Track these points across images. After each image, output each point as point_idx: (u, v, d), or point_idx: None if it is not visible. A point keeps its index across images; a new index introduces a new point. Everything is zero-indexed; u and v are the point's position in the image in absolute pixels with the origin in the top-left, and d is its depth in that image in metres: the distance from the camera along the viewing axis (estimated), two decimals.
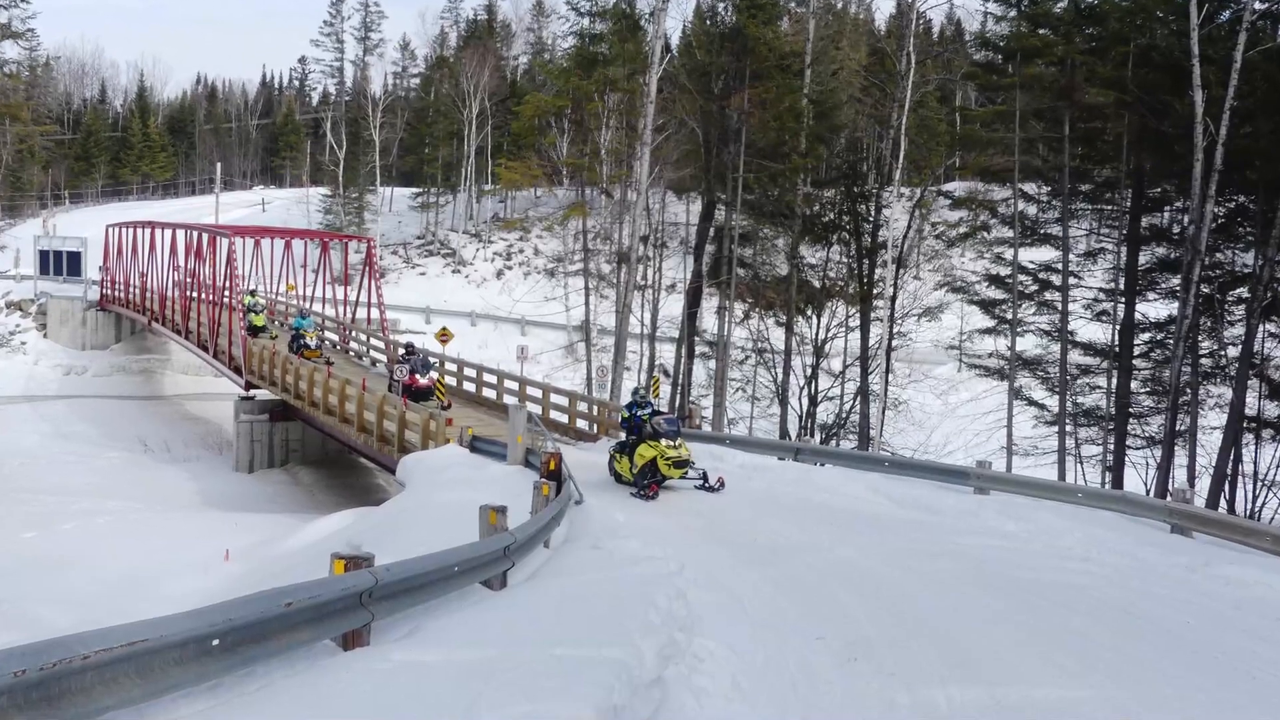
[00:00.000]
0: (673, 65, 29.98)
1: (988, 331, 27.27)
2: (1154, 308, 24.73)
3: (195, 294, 31.55)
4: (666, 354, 33.92)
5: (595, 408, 21.76)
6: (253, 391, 26.53)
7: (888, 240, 26.87)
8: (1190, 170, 20.07)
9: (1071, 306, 24.93)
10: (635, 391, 15.53)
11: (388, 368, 26.05)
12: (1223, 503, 19.82)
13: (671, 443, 13.86)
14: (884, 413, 26.43)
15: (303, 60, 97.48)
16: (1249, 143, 20.75)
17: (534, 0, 75.18)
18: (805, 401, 28.74)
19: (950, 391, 31.12)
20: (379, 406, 19.94)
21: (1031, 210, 27.26)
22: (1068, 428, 24.57)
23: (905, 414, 28.72)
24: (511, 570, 8.50)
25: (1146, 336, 24.17)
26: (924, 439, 27.82)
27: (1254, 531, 11.48)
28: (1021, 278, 26.05)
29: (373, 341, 31.44)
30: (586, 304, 33.35)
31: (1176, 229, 24.12)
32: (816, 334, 29.05)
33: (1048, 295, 26.04)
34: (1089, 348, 25.48)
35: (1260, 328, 20.67)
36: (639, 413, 14.53)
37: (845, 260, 29.29)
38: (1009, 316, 26.02)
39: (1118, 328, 23.90)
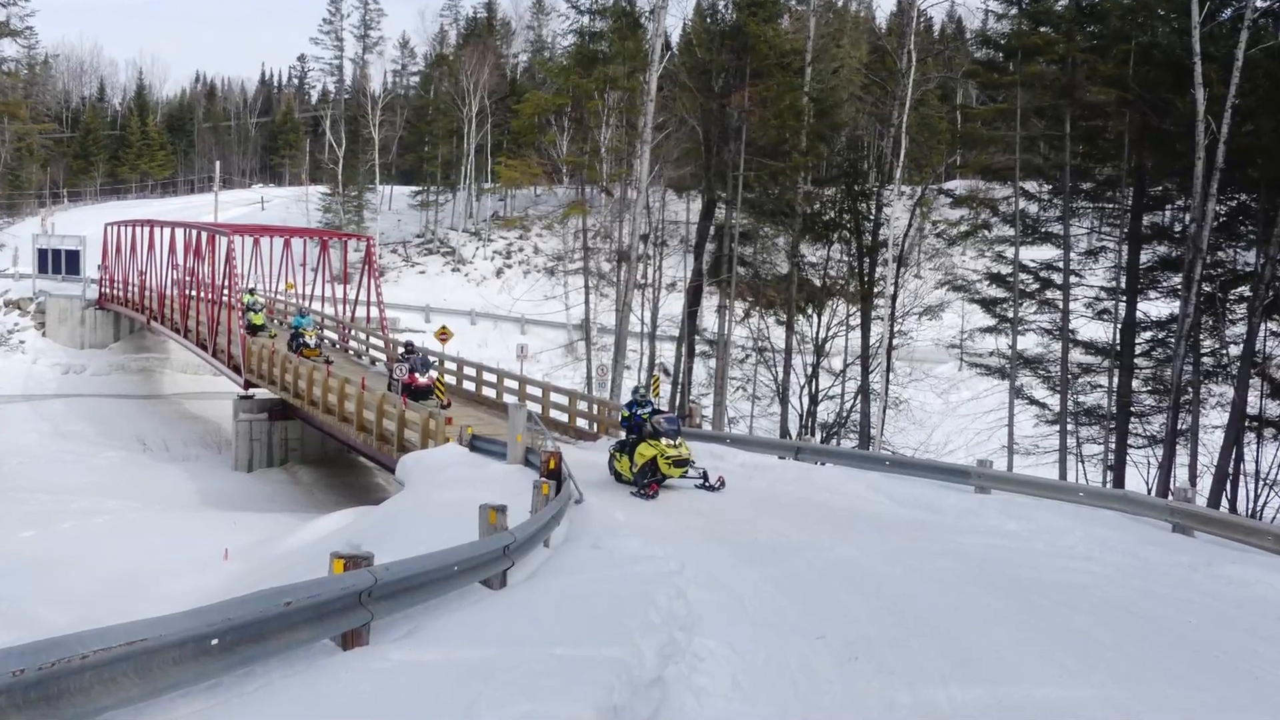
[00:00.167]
0: (673, 63, 29.96)
1: (989, 330, 27.25)
2: (1155, 306, 24.71)
3: (194, 293, 31.53)
4: (667, 353, 33.90)
5: (595, 407, 21.74)
6: (252, 390, 26.49)
7: (888, 239, 26.85)
8: (1192, 168, 20.04)
9: (1073, 305, 24.92)
10: (635, 390, 15.51)
11: (387, 366, 26.03)
12: (1224, 502, 19.81)
13: (672, 442, 13.84)
14: (885, 412, 26.42)
15: (302, 58, 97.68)
16: (1250, 141, 20.73)
17: None
18: (806, 400, 28.72)
19: (951, 390, 31.14)
20: (378, 405, 19.91)
21: (1033, 209, 27.24)
22: (1069, 427, 24.55)
23: (906, 413, 28.73)
24: (511, 569, 8.48)
25: (1148, 335, 24.16)
26: (925, 438, 27.83)
27: (1256, 531, 11.47)
28: (1022, 276, 26.03)
29: (372, 340, 31.42)
30: (586, 303, 33.33)
31: (1178, 227, 24.10)
32: (817, 333, 29.04)
33: (1049, 294, 26.03)
34: (1090, 346, 25.47)
35: (1262, 326, 20.65)
36: (639, 411, 14.51)
37: (846, 259, 29.27)
38: (1010, 315, 26.00)
39: (1119, 326, 23.88)
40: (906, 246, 28.06)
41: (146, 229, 36.97)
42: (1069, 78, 24.85)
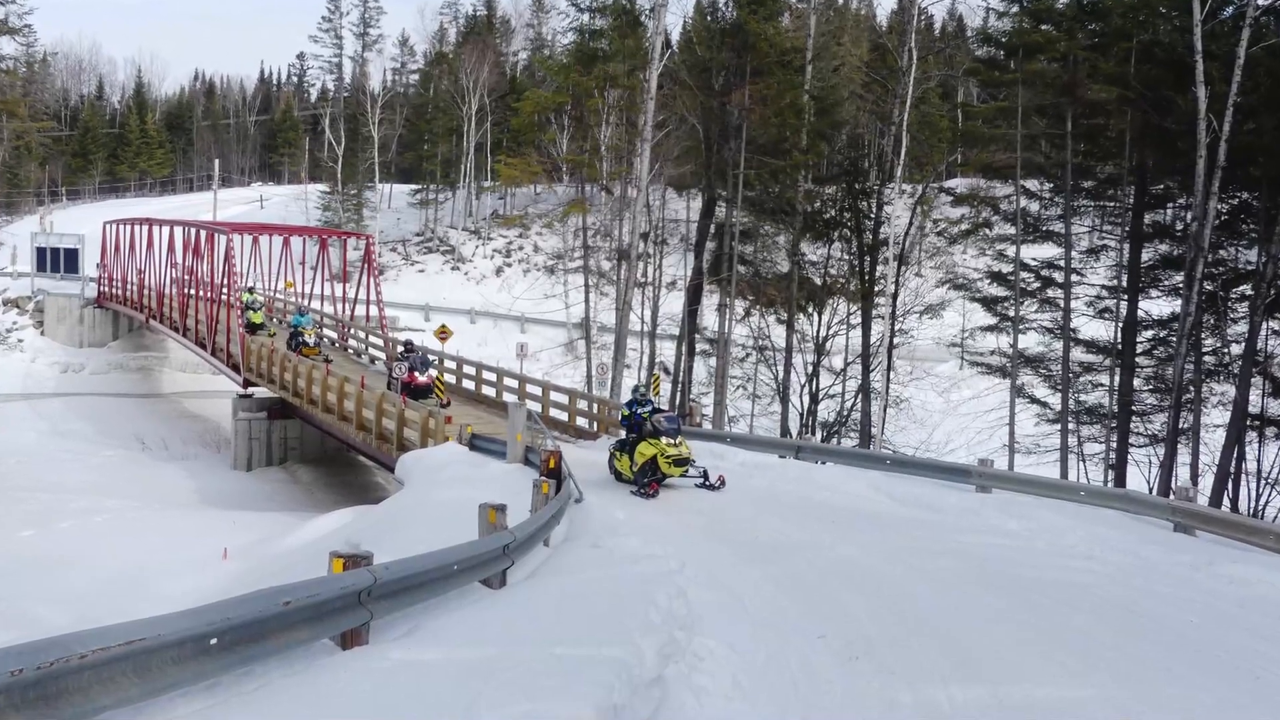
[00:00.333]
0: (673, 61, 29.91)
1: (989, 329, 27.24)
2: (1157, 305, 24.69)
3: (193, 291, 31.50)
4: (667, 351, 33.88)
5: (595, 405, 21.72)
6: (251, 389, 26.48)
7: (889, 237, 26.81)
8: (1193, 167, 20.01)
9: (1074, 304, 24.90)
10: (635, 389, 15.48)
11: (386, 365, 26.00)
12: (1226, 501, 19.79)
13: (672, 441, 13.82)
14: (885, 410, 26.40)
15: (301, 56, 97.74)
16: (1252, 139, 20.70)
17: None
18: (806, 399, 28.70)
19: (952, 389, 31.10)
20: (378, 404, 19.89)
21: (1034, 207, 27.22)
22: (1070, 426, 24.53)
23: (907, 412, 28.70)
24: (511, 569, 8.46)
25: (1149, 334, 24.14)
26: (925, 437, 27.81)
27: (1257, 530, 11.44)
28: (1023, 275, 26.01)
29: (371, 339, 31.40)
30: (586, 301, 33.31)
31: (1179, 226, 24.08)
32: (817, 331, 29.01)
33: (1050, 292, 26.02)
34: (1091, 345, 25.45)
35: (1264, 325, 20.64)
36: (639, 410, 14.48)
37: (846, 257, 29.24)
38: (1011, 314, 25.99)
39: (1120, 325, 23.86)
40: (907, 245, 28.03)
41: (145, 227, 36.92)
42: (1070, 76, 24.82)
